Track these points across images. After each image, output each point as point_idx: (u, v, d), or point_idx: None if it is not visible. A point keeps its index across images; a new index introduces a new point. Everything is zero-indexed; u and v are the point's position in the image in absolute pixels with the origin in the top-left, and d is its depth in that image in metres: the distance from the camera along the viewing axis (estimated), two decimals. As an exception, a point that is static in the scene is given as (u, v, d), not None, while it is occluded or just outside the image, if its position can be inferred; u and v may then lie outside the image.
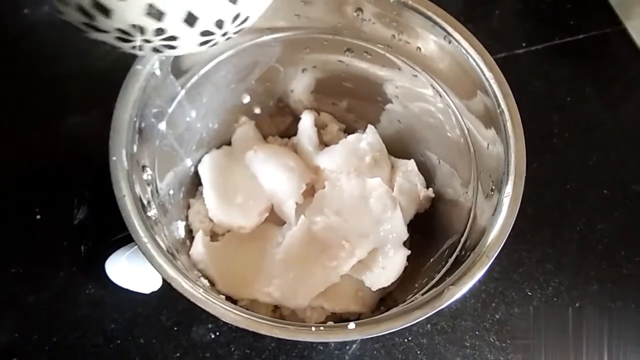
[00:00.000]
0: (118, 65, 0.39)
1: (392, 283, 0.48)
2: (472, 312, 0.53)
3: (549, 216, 0.58)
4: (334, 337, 0.34)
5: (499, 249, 0.36)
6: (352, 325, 0.33)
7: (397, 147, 0.55)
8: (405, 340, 0.52)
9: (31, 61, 0.63)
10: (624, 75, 0.67)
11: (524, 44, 0.67)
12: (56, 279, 0.51)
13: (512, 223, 0.37)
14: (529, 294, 0.54)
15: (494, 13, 0.70)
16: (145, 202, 0.39)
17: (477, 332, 0.52)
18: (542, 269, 0.55)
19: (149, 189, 0.41)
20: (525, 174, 0.39)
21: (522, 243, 0.56)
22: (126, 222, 0.35)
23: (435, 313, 0.51)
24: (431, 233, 0.51)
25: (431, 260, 0.46)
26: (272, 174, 0.51)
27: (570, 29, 0.69)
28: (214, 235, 0.51)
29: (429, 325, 0.52)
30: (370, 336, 0.33)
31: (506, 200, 0.38)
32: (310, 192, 0.51)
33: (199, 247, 0.48)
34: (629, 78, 0.67)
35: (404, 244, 0.50)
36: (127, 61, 0.40)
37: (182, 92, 0.45)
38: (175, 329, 0.50)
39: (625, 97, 0.66)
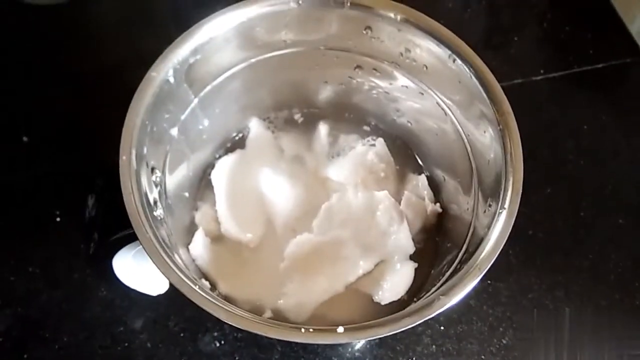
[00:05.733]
0: (129, 65, 0.41)
1: (401, 297, 0.47)
2: (478, 336, 0.52)
3: (561, 243, 0.57)
4: (323, 339, 0.34)
5: (492, 262, 0.36)
6: (340, 329, 0.34)
7: (404, 163, 0.55)
8: (409, 361, 0.51)
9: (50, 58, 0.65)
10: (643, 106, 0.67)
11: (541, 71, 0.67)
12: (70, 280, 0.53)
13: (506, 237, 0.37)
14: (538, 320, 0.53)
15: (513, 40, 0.71)
16: (151, 201, 0.40)
17: (482, 356, 0.51)
18: (552, 296, 0.54)
19: (156, 189, 0.42)
20: (521, 191, 0.38)
21: (532, 268, 0.55)
22: (131, 219, 0.36)
23: (440, 334, 0.51)
24: (435, 247, 0.51)
25: (432, 273, 0.46)
26: (281, 194, 0.52)
27: (589, 58, 0.69)
28: (219, 238, 0.52)
29: (434, 347, 0.52)
30: (357, 340, 0.34)
31: (502, 215, 0.38)
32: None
33: (198, 243, 0.48)
34: (647, 108, 0.66)
35: (410, 257, 0.50)
36: (138, 63, 0.42)
37: (196, 101, 0.47)
38: (182, 335, 0.51)
39: (643, 127, 0.65)
